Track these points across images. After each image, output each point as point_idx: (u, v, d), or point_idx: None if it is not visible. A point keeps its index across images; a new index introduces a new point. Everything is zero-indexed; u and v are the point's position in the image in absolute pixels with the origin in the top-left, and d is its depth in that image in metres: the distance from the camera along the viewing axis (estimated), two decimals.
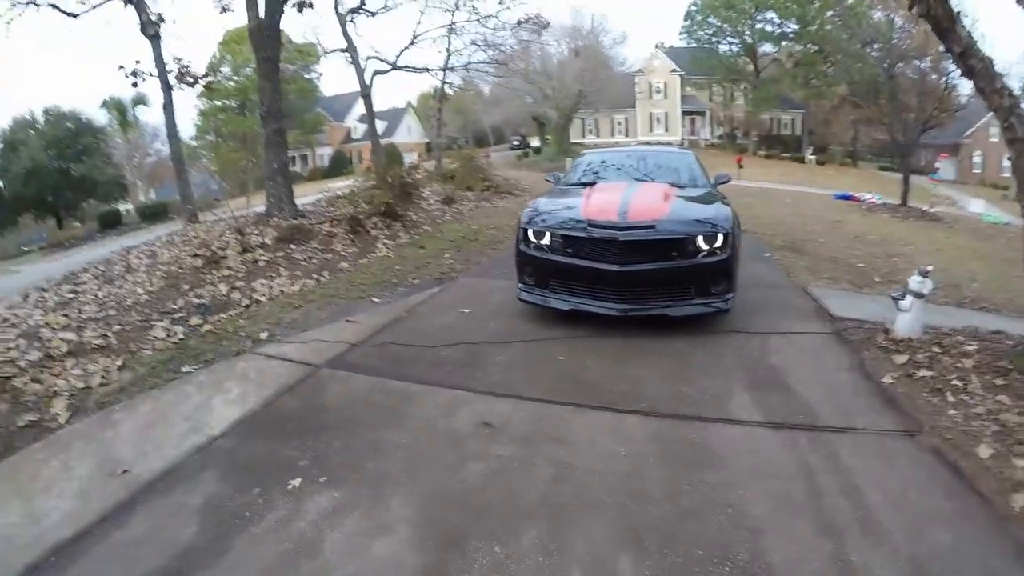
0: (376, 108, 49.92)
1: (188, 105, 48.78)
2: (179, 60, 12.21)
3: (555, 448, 2.87)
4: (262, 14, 8.82)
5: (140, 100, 35.75)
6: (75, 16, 10.70)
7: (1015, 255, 9.35)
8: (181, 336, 4.75)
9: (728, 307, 4.36)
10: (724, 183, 6.10)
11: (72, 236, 22.74)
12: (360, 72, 15.59)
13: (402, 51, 16.99)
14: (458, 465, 2.74)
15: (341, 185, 11.08)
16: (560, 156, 35.72)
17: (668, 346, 4.21)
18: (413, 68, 17.17)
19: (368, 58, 16.44)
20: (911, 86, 14.44)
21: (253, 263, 6.85)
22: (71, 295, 6.11)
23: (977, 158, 38.44)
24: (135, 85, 12.26)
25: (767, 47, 40.68)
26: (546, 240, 4.53)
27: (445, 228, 9.54)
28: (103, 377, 4.00)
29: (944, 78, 14.09)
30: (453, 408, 3.29)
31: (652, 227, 4.26)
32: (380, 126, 49.65)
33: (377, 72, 16.46)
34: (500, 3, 17.51)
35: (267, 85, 9.04)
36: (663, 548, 2.18)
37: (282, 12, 9.25)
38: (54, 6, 10.39)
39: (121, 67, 11.47)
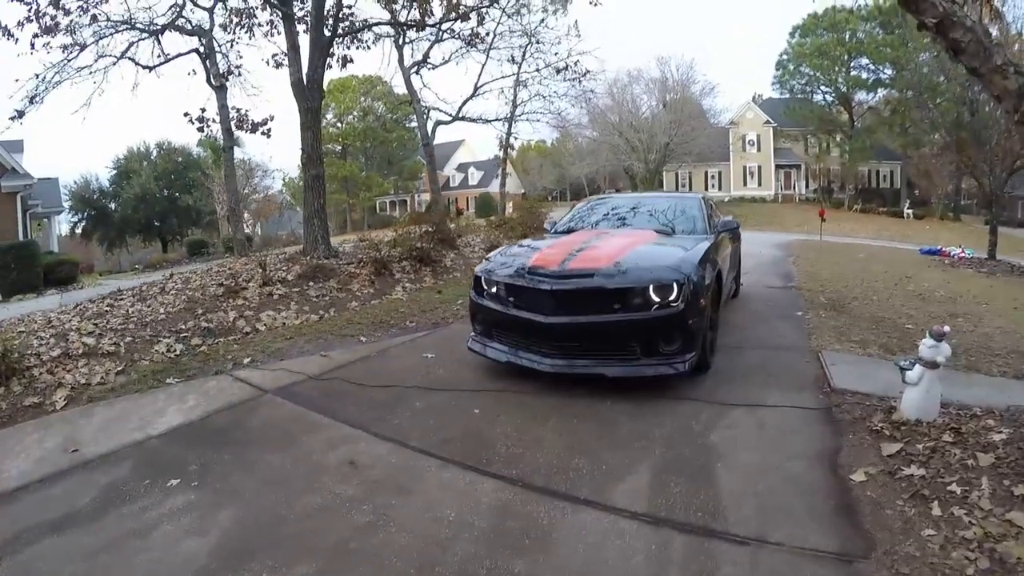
0: (475, 159, 52.55)
1: (295, 148, 52.31)
2: (238, 110, 13.01)
3: (391, 498, 2.66)
4: (305, 68, 9.13)
5: (235, 143, 38.93)
6: (150, 69, 11.64)
7: None
8: (178, 353, 5.12)
9: (683, 370, 3.56)
10: (731, 229, 5.34)
11: (165, 259, 24.84)
12: (423, 123, 15.83)
13: (465, 101, 17.15)
14: (299, 495, 2.73)
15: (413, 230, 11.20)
16: None
17: (600, 411, 3.50)
18: (474, 119, 17.23)
19: (429, 109, 16.63)
20: (996, 128, 12.26)
21: (268, 296, 7.16)
22: (107, 308, 6.90)
23: None
24: (200, 131, 13.17)
25: (862, 95, 37.58)
26: (494, 289, 4.16)
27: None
28: (102, 378, 4.47)
29: None
30: (338, 444, 3.25)
31: (590, 276, 3.69)
32: (477, 175, 52.19)
33: (439, 123, 16.64)
34: (556, 55, 17.30)
35: (308, 135, 9.49)
36: None
37: (325, 67, 9.59)
38: (131, 59, 11.29)
39: (186, 114, 12.37)
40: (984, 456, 2.72)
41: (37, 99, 9.99)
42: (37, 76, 9.94)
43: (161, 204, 37.61)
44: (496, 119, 18.15)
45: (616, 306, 3.57)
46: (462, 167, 52.82)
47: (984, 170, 12.57)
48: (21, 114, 9.86)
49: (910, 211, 33.33)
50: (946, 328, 3.08)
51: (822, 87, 38.82)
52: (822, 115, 37.71)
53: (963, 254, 13.91)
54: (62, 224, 35.19)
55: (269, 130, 11.76)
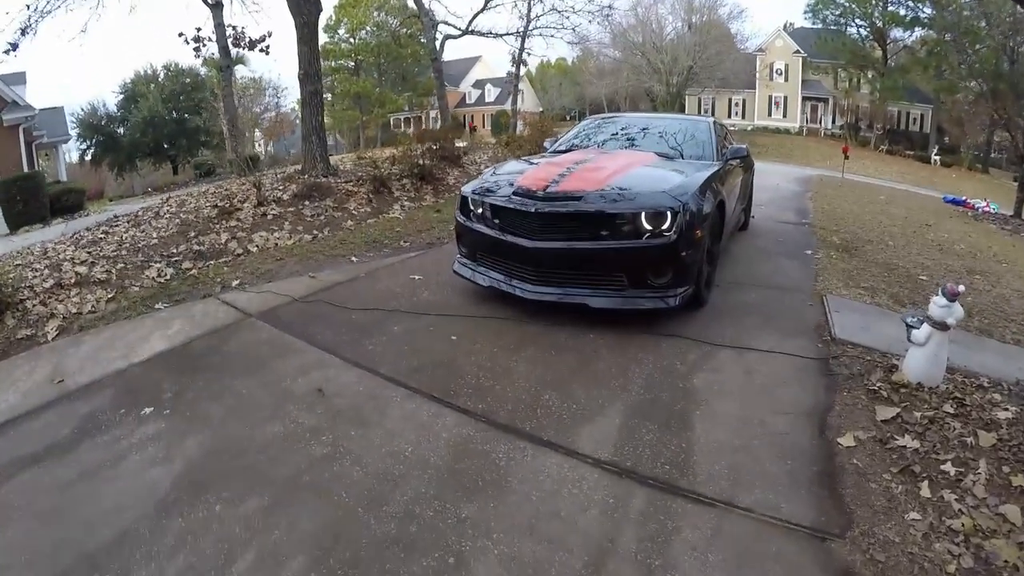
0: (490, 75, 50.26)
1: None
2: (234, 27, 12.38)
3: (352, 429, 2.55)
4: None
5: (239, 60, 37.85)
6: None
7: None
8: (168, 278, 4.98)
9: (673, 305, 3.27)
10: (741, 157, 4.90)
11: (173, 182, 24.31)
12: (431, 38, 14.65)
13: (475, 15, 15.87)
14: (263, 423, 2.64)
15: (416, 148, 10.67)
16: None
17: (582, 343, 3.27)
18: (485, 33, 15.97)
19: (437, 23, 15.35)
20: None
21: (263, 216, 6.90)
22: (102, 235, 6.68)
23: None
24: (197, 51, 12.56)
25: (898, 32, 34.25)
26: (480, 210, 3.86)
27: None
28: (93, 306, 4.36)
29: None
30: (310, 369, 3.11)
31: (577, 199, 3.36)
32: (493, 92, 50.11)
33: (448, 37, 15.44)
34: None
35: (304, 49, 8.92)
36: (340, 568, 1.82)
37: None
38: None
39: (181, 34, 11.82)
40: (986, 435, 2.45)
41: (30, 30, 9.41)
42: (28, 6, 9.26)
43: (169, 126, 36.39)
44: (508, 33, 16.85)
45: (604, 232, 3.27)
46: (479, 84, 50.67)
47: (1020, 124, 11.58)
48: (15, 46, 9.34)
49: (937, 157, 31.65)
50: (960, 287, 2.73)
51: (857, 20, 35.57)
52: (855, 49, 34.85)
53: (988, 208, 13.18)
54: (71, 153, 34.61)
55: (268, 47, 11.09)
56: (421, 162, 8.94)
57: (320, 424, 2.57)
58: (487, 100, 48.64)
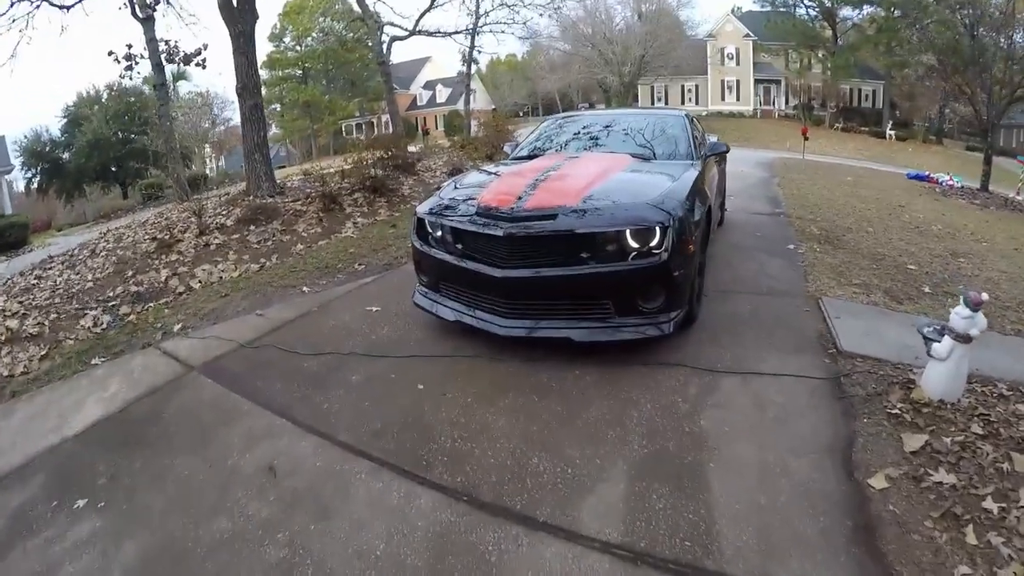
0: (441, 75, 49.86)
1: None
2: (167, 42, 11.84)
3: (311, 521, 2.16)
4: None
5: (182, 76, 36.78)
6: (67, 8, 10.45)
7: None
8: (105, 326, 4.65)
9: (668, 331, 2.93)
10: (721, 153, 4.60)
11: (119, 207, 23.30)
12: (377, 40, 14.14)
13: (422, 14, 15.43)
14: (209, 516, 2.27)
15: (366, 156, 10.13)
16: None
17: (566, 382, 2.92)
18: (433, 32, 15.56)
19: (383, 24, 14.85)
20: (997, 54, 11.43)
21: (205, 247, 6.45)
22: (35, 281, 6.32)
23: None
24: (129, 69, 11.99)
25: (847, 11, 35.13)
26: (439, 233, 3.45)
27: None
28: (25, 366, 4.06)
29: None
30: (259, 439, 2.72)
31: (551, 217, 2.96)
32: (444, 93, 49.69)
33: (395, 39, 14.95)
34: None
35: (242, 60, 8.46)
36: None
37: None
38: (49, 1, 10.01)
39: (111, 53, 11.22)
40: (1020, 458, 2.23)
41: None
42: None
43: (116, 148, 35.26)
44: (457, 32, 16.45)
45: (584, 255, 2.89)
46: (429, 85, 50.46)
47: (982, 98, 11.78)
48: None
49: (892, 132, 32.62)
50: (984, 295, 2.50)
51: (805, 1, 36.57)
52: (804, 30, 35.62)
53: (952, 182, 13.44)
54: (18, 183, 33.61)
55: (204, 60, 10.54)
56: (373, 173, 8.51)
57: (274, 515, 2.20)
58: (439, 101, 48.44)
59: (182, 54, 11.25)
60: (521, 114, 48.16)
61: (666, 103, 42.10)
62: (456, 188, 3.80)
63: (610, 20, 36.75)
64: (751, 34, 38.66)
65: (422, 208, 3.59)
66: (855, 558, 1.81)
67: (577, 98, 51.88)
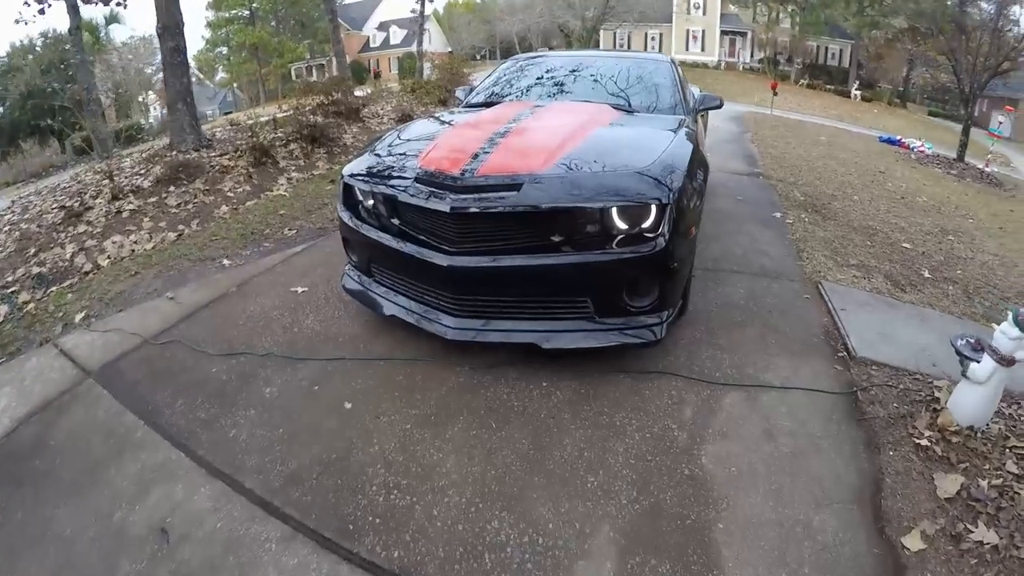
0: (396, 16, 47.41)
1: (198, 20, 46.21)
2: None
3: None
4: None
5: (114, 19, 33.57)
6: None
7: None
8: (2, 319, 3.93)
9: (657, 336, 2.38)
10: (713, 108, 3.85)
11: (50, 164, 21.36)
12: None
13: None
14: None
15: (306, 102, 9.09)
16: None
17: (532, 399, 2.39)
18: None
19: None
20: (983, 24, 11.27)
21: (117, 214, 5.50)
22: None
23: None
24: (41, 13, 10.67)
25: None
26: (371, 203, 2.79)
27: None
28: None
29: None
30: (152, 483, 2.14)
31: (514, 187, 2.27)
32: (399, 35, 47.32)
33: None
34: None
35: None
36: None
37: None
38: None
39: None
40: None
41: None
42: None
43: (51, 100, 32.69)
44: None
45: (556, 238, 2.28)
46: (383, 26, 48.10)
47: (965, 66, 11.55)
48: None
49: (858, 92, 32.87)
50: None
51: None
52: None
53: (923, 148, 13.40)
54: None
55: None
56: (311, 121, 7.64)
57: None
58: (392, 43, 46.32)
59: None
60: (479, 57, 46.70)
61: (628, 50, 41.33)
62: (396, 142, 3.05)
63: None
64: None
65: (349, 168, 2.86)
66: None
67: (537, 42, 50.67)
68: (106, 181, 6.09)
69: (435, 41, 48.11)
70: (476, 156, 2.49)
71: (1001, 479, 2.04)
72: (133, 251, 4.70)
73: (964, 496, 1.96)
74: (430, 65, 17.93)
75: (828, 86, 34.21)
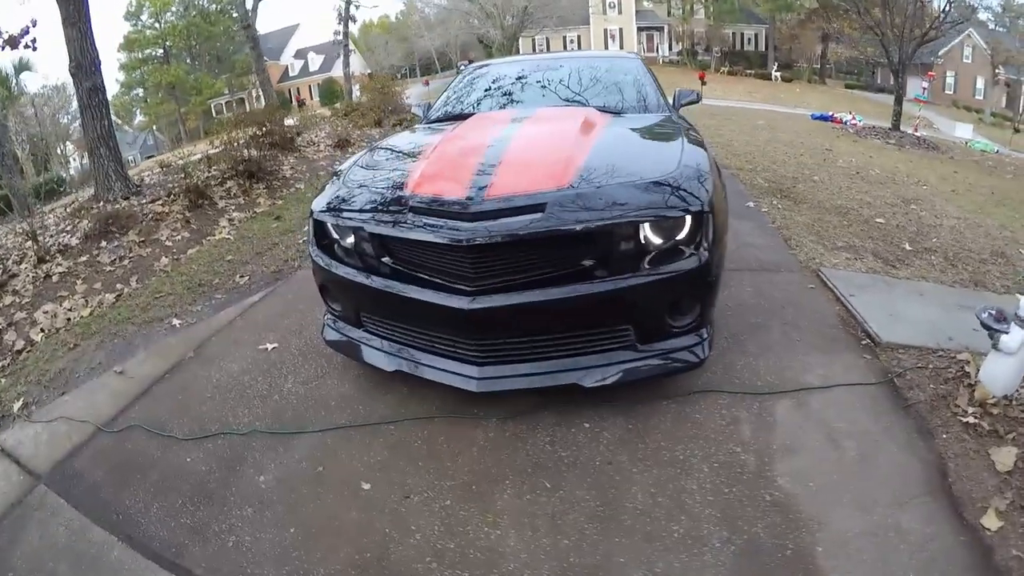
0: (314, 42, 46.82)
1: (110, 63, 44.57)
2: None
3: None
4: None
5: (24, 66, 31.80)
6: None
7: None
8: None
9: (702, 357, 2.26)
10: (691, 103, 3.83)
11: None
12: (242, 1, 12.26)
13: None
14: None
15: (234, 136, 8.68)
16: None
17: (580, 447, 2.20)
18: None
19: None
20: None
21: (46, 278, 5.00)
22: None
23: (950, 79, 35.58)
24: None
25: None
26: (350, 240, 2.43)
27: (323, 183, 7.16)
28: None
29: None
30: None
31: (536, 208, 2.04)
32: (317, 60, 46.84)
33: None
34: None
35: (74, 33, 6.82)
36: None
37: None
38: None
39: None
40: None
41: None
42: None
43: None
44: None
45: (589, 261, 2.08)
46: (300, 53, 48.21)
47: (891, 38, 12.25)
48: None
49: (778, 74, 34.67)
50: None
51: None
52: None
53: (856, 122, 14.15)
54: None
55: (34, 41, 8.50)
56: (246, 155, 7.26)
57: None
58: (311, 70, 46.29)
59: (5, 35, 9.03)
60: (399, 76, 46.84)
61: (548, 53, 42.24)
62: (367, 168, 2.76)
63: None
64: None
65: (319, 203, 2.53)
66: None
67: (456, 56, 51.04)
68: (29, 243, 5.58)
69: (353, 63, 47.91)
70: (478, 176, 2.22)
71: None
72: (69, 320, 4.26)
73: (1021, 467, 1.99)
74: (357, 87, 17.71)
75: (748, 71, 35.93)
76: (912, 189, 6.38)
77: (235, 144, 7.42)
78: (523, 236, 2.00)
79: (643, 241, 2.10)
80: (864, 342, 2.86)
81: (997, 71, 32.03)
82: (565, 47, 42.24)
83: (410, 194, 2.26)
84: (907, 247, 4.26)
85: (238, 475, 2.26)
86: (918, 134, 12.78)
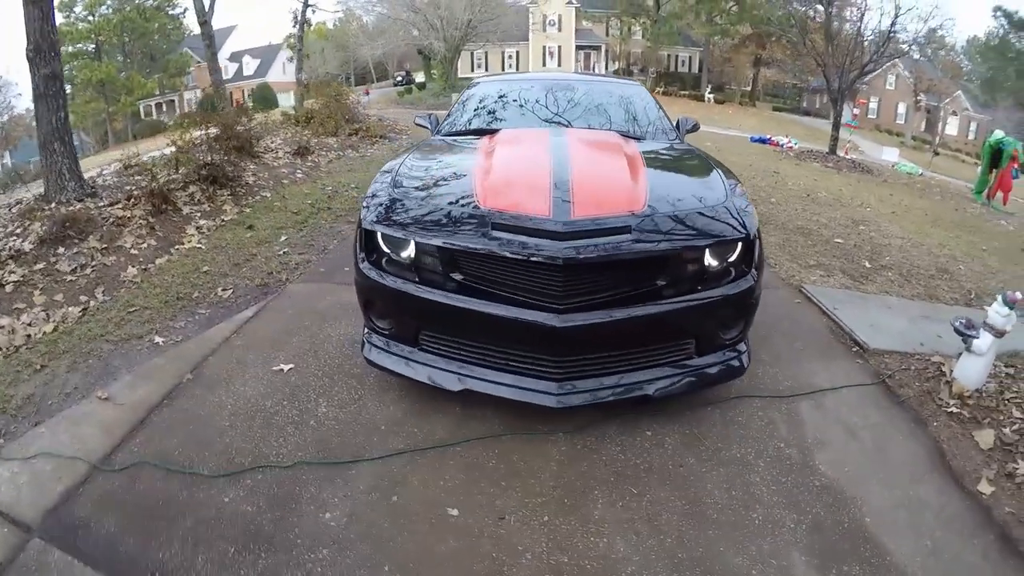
0: (249, 45, 45.51)
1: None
2: None
3: None
4: None
5: None
6: None
7: (962, 218, 8.70)
8: None
9: (746, 365, 2.60)
10: (693, 131, 4.08)
11: None
12: None
13: None
14: None
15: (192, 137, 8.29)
16: (447, 92, 33.46)
17: (649, 453, 2.41)
18: None
19: None
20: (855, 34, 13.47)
21: None
22: None
23: (873, 104, 39.76)
24: None
25: None
26: (409, 252, 2.42)
27: (290, 192, 7.08)
28: None
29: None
30: None
31: (624, 231, 2.21)
32: (252, 65, 45.61)
33: None
34: None
35: (34, 11, 6.04)
36: None
37: None
38: None
39: None
40: None
41: None
42: None
43: None
44: None
45: (661, 281, 2.30)
46: (235, 56, 46.64)
47: (834, 70, 13.52)
48: None
49: (711, 96, 36.78)
50: (1019, 295, 2.74)
51: None
52: None
53: (791, 144, 15.42)
54: None
55: None
56: (209, 159, 6.92)
57: None
58: (246, 74, 45.06)
59: None
60: (335, 83, 46.70)
61: (486, 69, 43.29)
62: (412, 179, 2.70)
63: None
64: (573, 1, 41.01)
65: (371, 215, 2.48)
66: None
67: (392, 67, 51.08)
68: None
69: (289, 70, 47.04)
70: (556, 196, 2.31)
71: (1016, 424, 2.61)
72: (30, 336, 3.84)
73: (999, 444, 2.50)
74: (294, 95, 17.46)
75: (682, 92, 37.88)
76: (858, 211, 7.15)
77: (194, 145, 7.04)
78: (614, 256, 2.17)
79: (708, 262, 2.38)
80: (854, 349, 3.34)
81: (919, 98, 35.54)
82: (503, 63, 43.24)
83: (484, 209, 2.30)
84: (867, 264, 4.86)
85: (297, 514, 2.06)
86: (849, 157, 14.08)
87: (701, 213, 2.40)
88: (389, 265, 2.47)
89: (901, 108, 39.42)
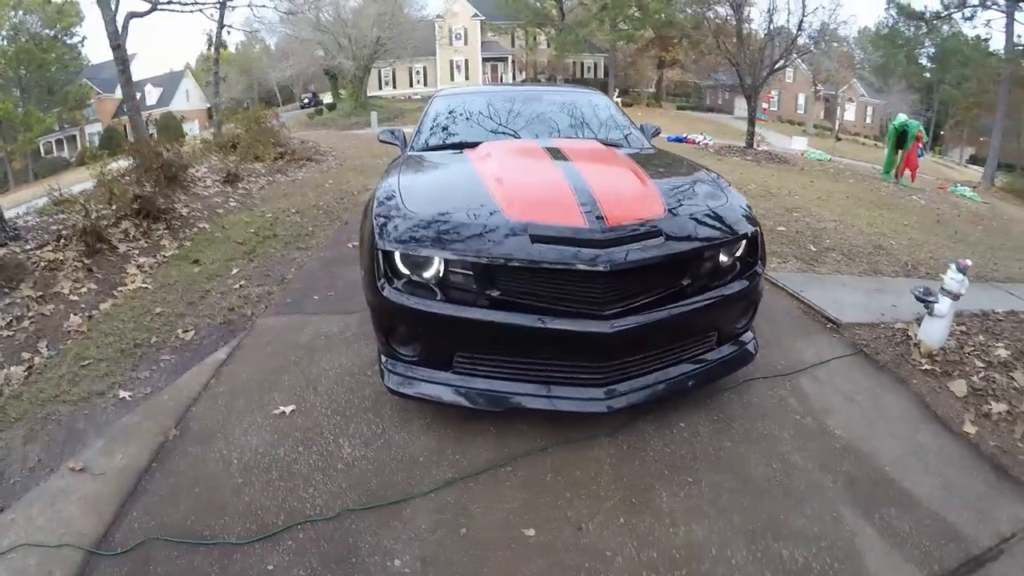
0: (150, 73, 42.98)
1: None
2: None
3: None
4: None
5: None
6: None
7: (879, 197, 9.60)
8: None
9: (756, 352, 2.84)
10: (655, 135, 4.32)
11: None
12: (110, 17, 11.14)
13: None
14: None
15: (117, 167, 7.65)
16: (358, 111, 33.56)
17: (690, 444, 2.52)
18: (179, 5, 13.12)
19: None
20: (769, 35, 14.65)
21: None
22: None
23: (774, 96, 42.85)
24: None
25: None
26: (436, 270, 2.35)
27: (229, 222, 6.80)
28: None
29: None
30: None
31: (656, 235, 2.32)
32: (155, 94, 43.27)
33: (133, 15, 12.07)
34: None
35: None
36: None
37: None
38: None
39: None
40: (1020, 376, 3.04)
41: None
42: None
43: None
44: (207, 4, 14.12)
45: (686, 280, 2.44)
46: (138, 85, 43.63)
47: (746, 69, 14.53)
48: None
49: (619, 99, 38.18)
50: (968, 261, 3.18)
51: None
52: (534, 10, 39.72)
53: (706, 141, 16.42)
54: None
55: None
56: (139, 192, 6.46)
57: None
58: (149, 103, 42.53)
59: None
60: (244, 108, 45.09)
61: (394, 86, 43.37)
62: (421, 202, 2.56)
63: (342, 3, 35.75)
64: (479, 14, 41.62)
65: (391, 236, 2.37)
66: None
67: (298, 89, 50.03)
68: None
69: (192, 97, 45.06)
70: (584, 205, 2.37)
71: (981, 372, 3.07)
72: None
73: (971, 391, 2.93)
74: (198, 124, 16.80)
75: None
76: (787, 199, 7.77)
77: (121, 176, 6.68)
78: (652, 259, 2.26)
79: (722, 259, 2.59)
80: (828, 325, 3.70)
81: (817, 88, 38.57)
82: (411, 78, 43.49)
83: (516, 221, 2.30)
84: (812, 248, 5.34)
85: (361, 568, 1.90)
86: (763, 149, 15.15)
87: (714, 212, 2.60)
88: (413, 287, 2.36)
89: (801, 99, 43.16)
